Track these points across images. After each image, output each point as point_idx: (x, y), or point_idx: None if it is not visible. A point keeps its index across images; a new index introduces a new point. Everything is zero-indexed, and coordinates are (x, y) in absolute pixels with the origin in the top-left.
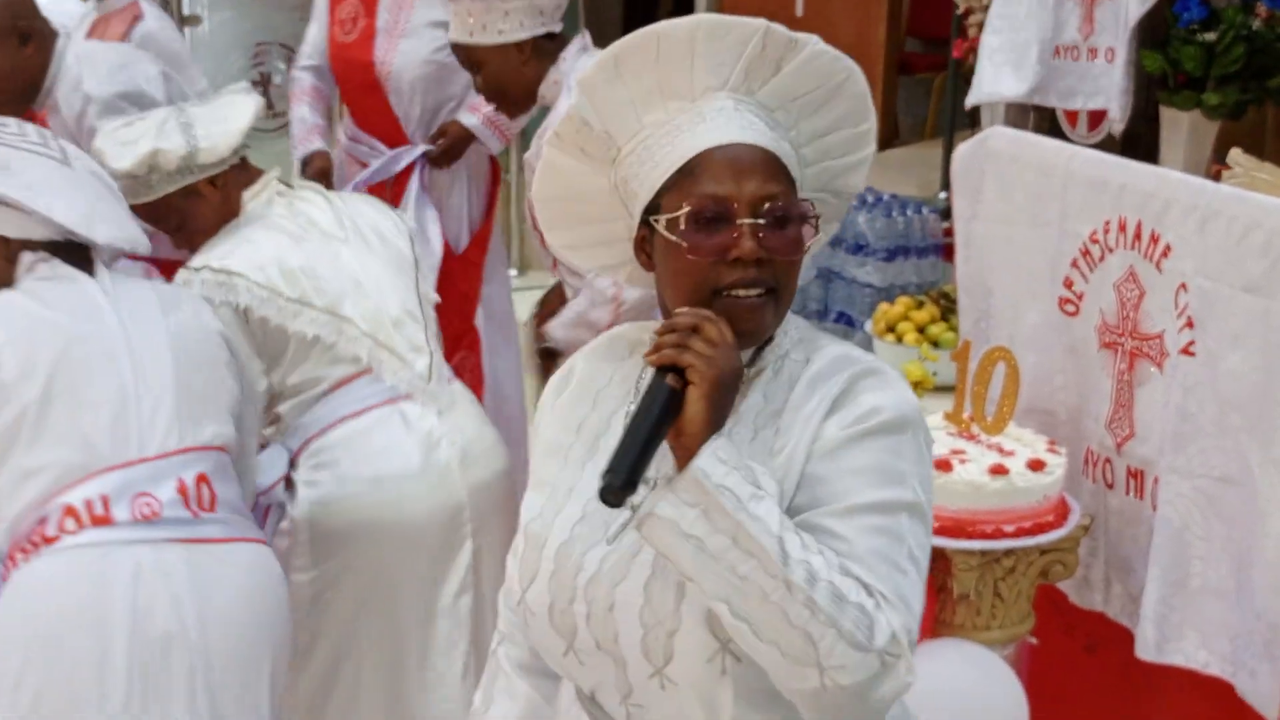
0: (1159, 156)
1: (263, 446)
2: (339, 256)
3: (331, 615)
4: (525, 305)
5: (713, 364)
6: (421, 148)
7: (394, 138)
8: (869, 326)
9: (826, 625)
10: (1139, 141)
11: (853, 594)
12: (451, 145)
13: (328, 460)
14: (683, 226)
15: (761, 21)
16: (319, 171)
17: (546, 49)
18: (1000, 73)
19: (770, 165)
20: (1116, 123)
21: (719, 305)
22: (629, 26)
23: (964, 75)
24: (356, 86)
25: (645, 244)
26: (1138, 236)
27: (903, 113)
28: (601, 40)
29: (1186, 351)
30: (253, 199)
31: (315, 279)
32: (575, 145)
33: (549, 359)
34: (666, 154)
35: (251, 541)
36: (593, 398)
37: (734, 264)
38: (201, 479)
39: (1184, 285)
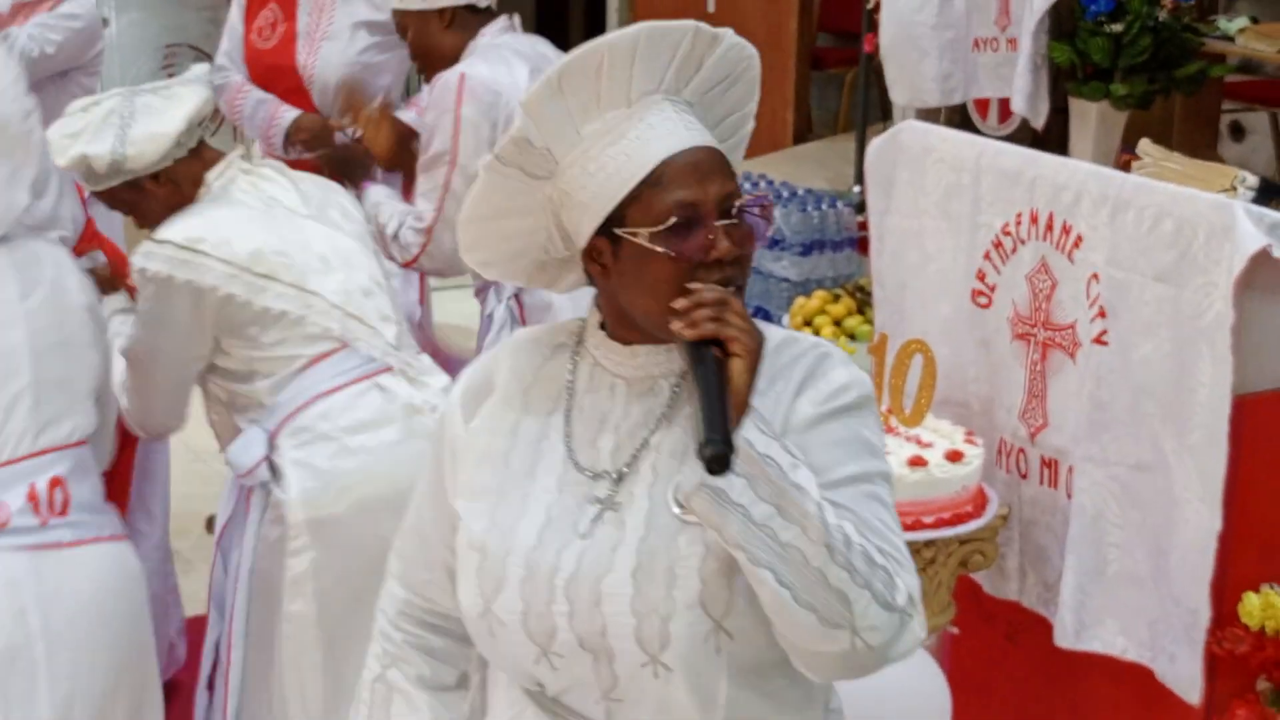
0: (1069, 147)
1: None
2: (303, 231)
3: (335, 593)
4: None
5: (753, 335)
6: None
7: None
8: (785, 321)
9: (862, 587)
10: (1050, 133)
11: (878, 556)
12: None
13: (312, 438)
14: (663, 235)
15: (691, 23)
16: (318, 126)
17: (468, 21)
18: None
19: (723, 164)
20: (1022, 114)
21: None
22: (540, 12)
23: (875, 69)
24: (281, 92)
25: (599, 255)
26: (1049, 228)
27: (816, 107)
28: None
29: (1099, 341)
30: (216, 178)
31: (282, 254)
32: (516, 166)
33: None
34: (622, 165)
35: (104, 541)
36: (521, 401)
37: (711, 265)
38: (55, 482)
39: (1095, 275)
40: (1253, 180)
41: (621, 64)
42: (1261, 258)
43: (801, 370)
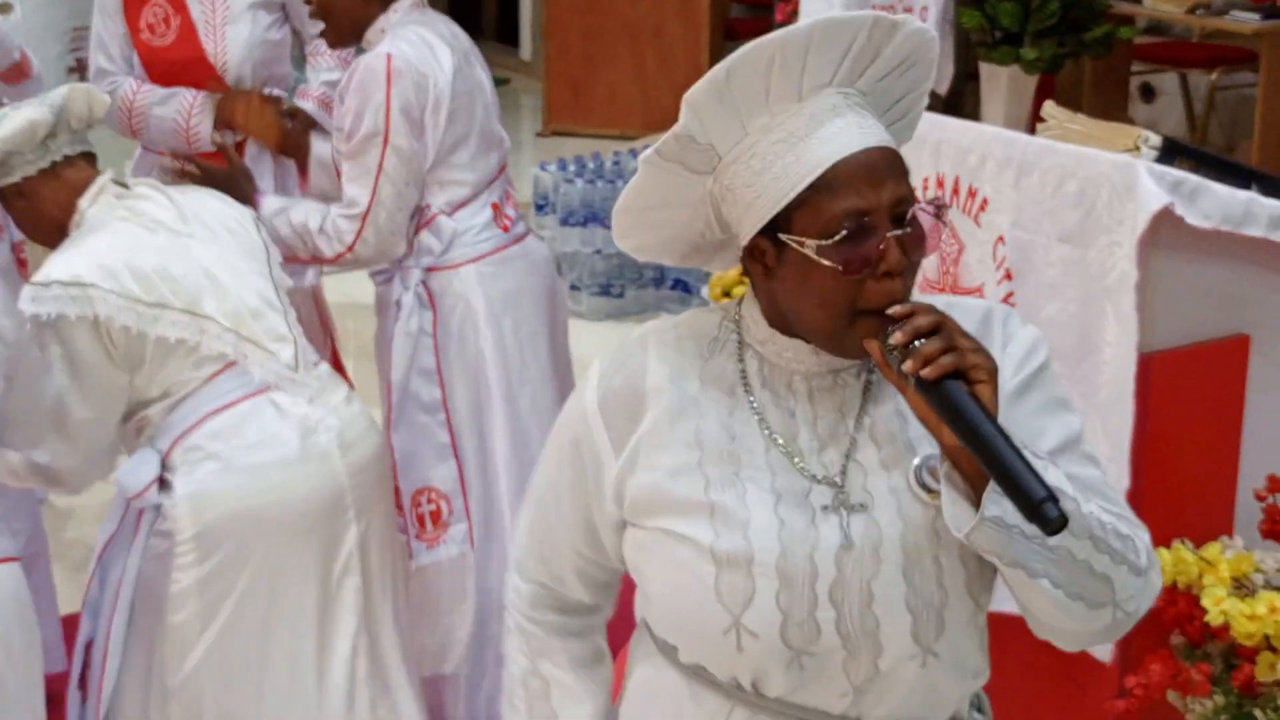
0: (980, 112)
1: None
2: (189, 251)
3: (221, 611)
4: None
5: (987, 354)
6: None
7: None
8: (705, 291)
9: (1119, 564)
10: (962, 98)
11: (1123, 527)
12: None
13: (203, 455)
14: (831, 247)
15: (869, 14)
16: (247, 96)
17: None
18: None
19: (896, 164)
20: (937, 81)
21: (862, 324)
22: None
23: None
24: (195, 83)
25: (763, 255)
26: (955, 191)
27: None
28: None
29: (1006, 302)
30: (90, 204)
31: (170, 279)
32: (676, 160)
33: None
34: (790, 166)
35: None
36: (695, 408)
37: (880, 278)
38: None
39: (1001, 238)
40: (1156, 140)
41: (794, 59)
42: (1164, 216)
43: (996, 333)
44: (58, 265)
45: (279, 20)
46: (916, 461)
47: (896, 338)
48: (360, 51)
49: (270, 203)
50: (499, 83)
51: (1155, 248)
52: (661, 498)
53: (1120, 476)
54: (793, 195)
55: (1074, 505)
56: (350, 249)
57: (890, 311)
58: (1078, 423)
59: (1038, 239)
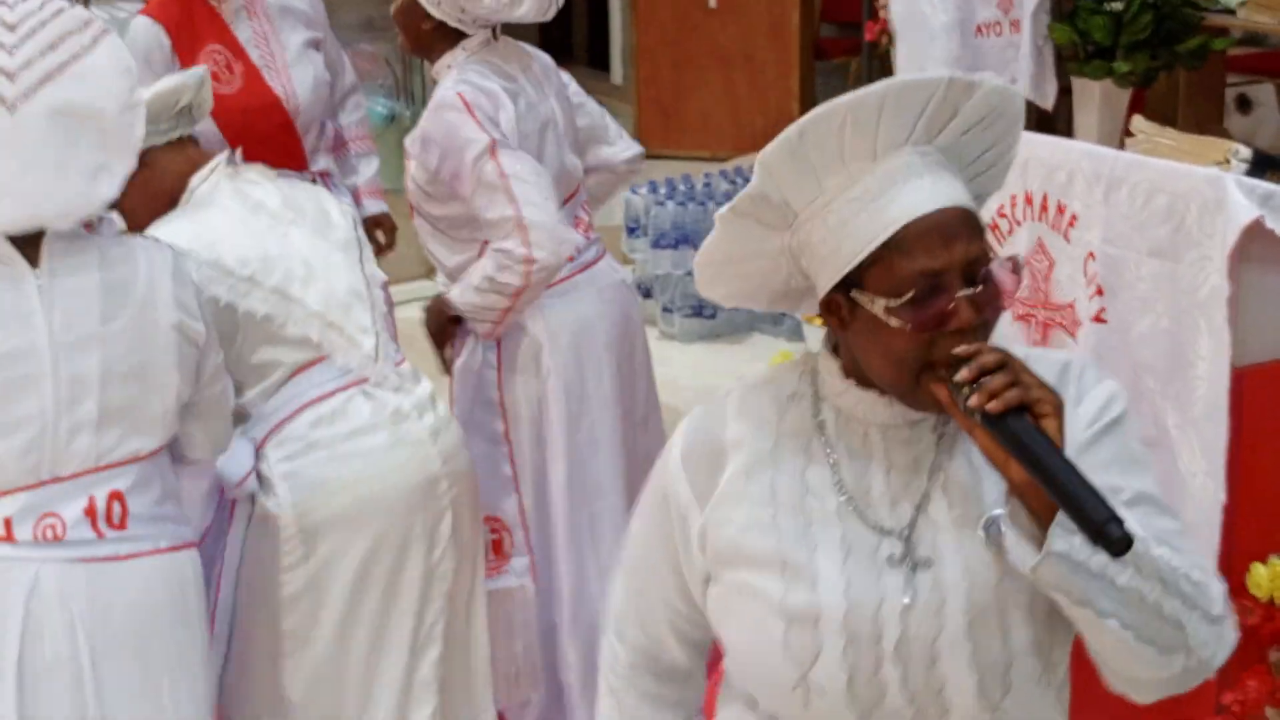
0: (1074, 127)
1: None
2: (288, 237)
3: (329, 602)
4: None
5: (1053, 391)
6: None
7: (297, 162)
8: (800, 314)
9: (1191, 609)
10: (1056, 113)
11: (1196, 574)
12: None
13: (300, 449)
14: (901, 308)
15: (945, 75)
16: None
17: (449, 33)
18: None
19: (970, 222)
20: (1028, 97)
21: (932, 377)
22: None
23: (878, 57)
24: (266, 129)
25: (838, 309)
26: (1044, 208)
27: (821, 98)
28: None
29: (1098, 319)
30: (200, 182)
31: (265, 259)
32: (751, 216)
33: (455, 324)
34: (863, 225)
35: (161, 553)
36: (770, 461)
37: (950, 335)
38: (115, 496)
39: (1092, 254)
40: (1246, 153)
41: (867, 120)
42: (1255, 229)
43: (1070, 390)
44: (163, 229)
45: (325, 60)
46: (986, 518)
47: (962, 375)
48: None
49: (453, 292)
50: None
51: (1246, 261)
52: (736, 551)
53: (1217, 491)
54: (865, 254)
55: (1143, 545)
56: (531, 260)
57: (956, 351)
58: (1153, 482)
59: (1128, 254)
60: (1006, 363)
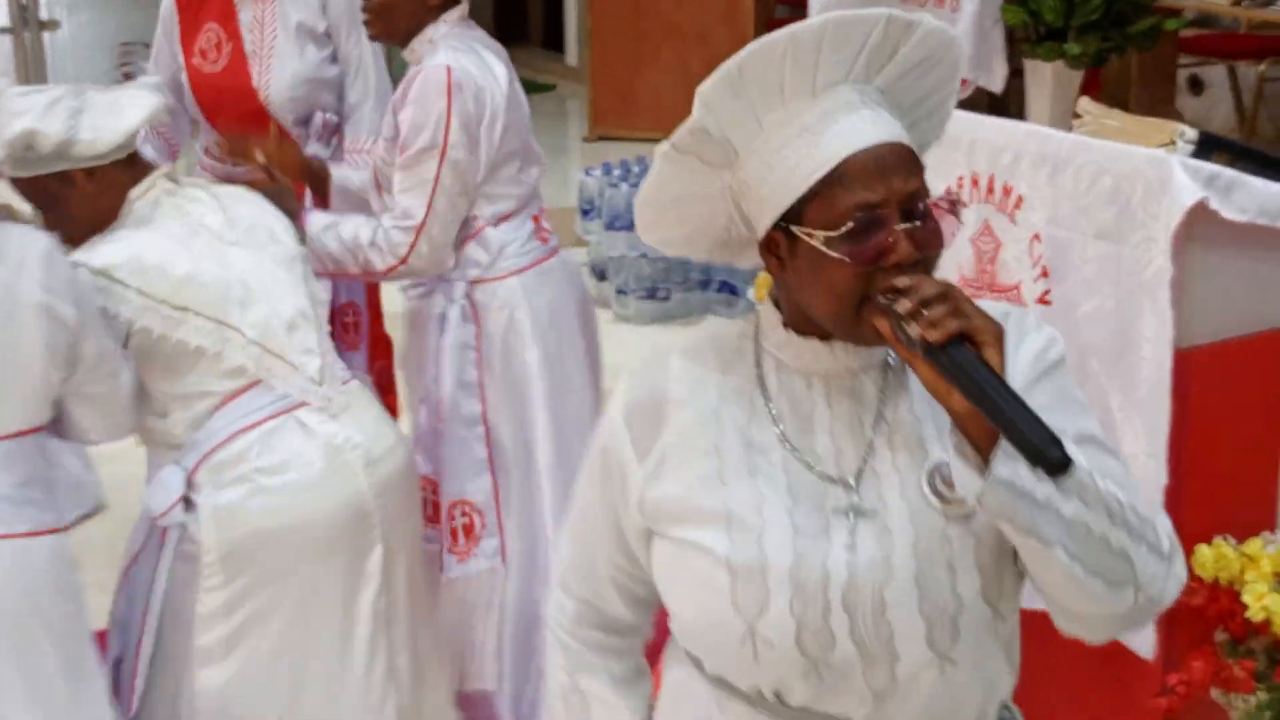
0: (1026, 109)
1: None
2: (227, 259)
3: (248, 630)
4: None
5: (994, 320)
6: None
7: None
8: (751, 294)
9: (1139, 542)
10: (1007, 95)
11: (1142, 508)
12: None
13: (230, 476)
14: (840, 239)
15: (883, 11)
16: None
17: (433, 4)
18: None
19: (908, 159)
20: (971, 80)
21: (872, 307)
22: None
23: None
24: (238, 116)
25: (777, 247)
26: (990, 190)
27: None
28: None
29: (1043, 301)
30: (139, 198)
31: (201, 285)
32: (692, 154)
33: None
34: (802, 160)
35: (16, 537)
36: (714, 417)
37: (890, 269)
38: None
39: (1037, 235)
40: (1192, 134)
41: (806, 55)
42: (1199, 210)
43: (1010, 335)
44: (97, 251)
45: (329, 56)
46: (928, 466)
47: (904, 306)
48: (400, 62)
49: (317, 219)
50: (545, 89)
51: (1191, 243)
52: (681, 507)
53: (1159, 473)
54: (805, 188)
55: (1088, 476)
56: (404, 261)
57: (896, 282)
58: (1095, 423)
59: (1074, 236)
60: (947, 293)
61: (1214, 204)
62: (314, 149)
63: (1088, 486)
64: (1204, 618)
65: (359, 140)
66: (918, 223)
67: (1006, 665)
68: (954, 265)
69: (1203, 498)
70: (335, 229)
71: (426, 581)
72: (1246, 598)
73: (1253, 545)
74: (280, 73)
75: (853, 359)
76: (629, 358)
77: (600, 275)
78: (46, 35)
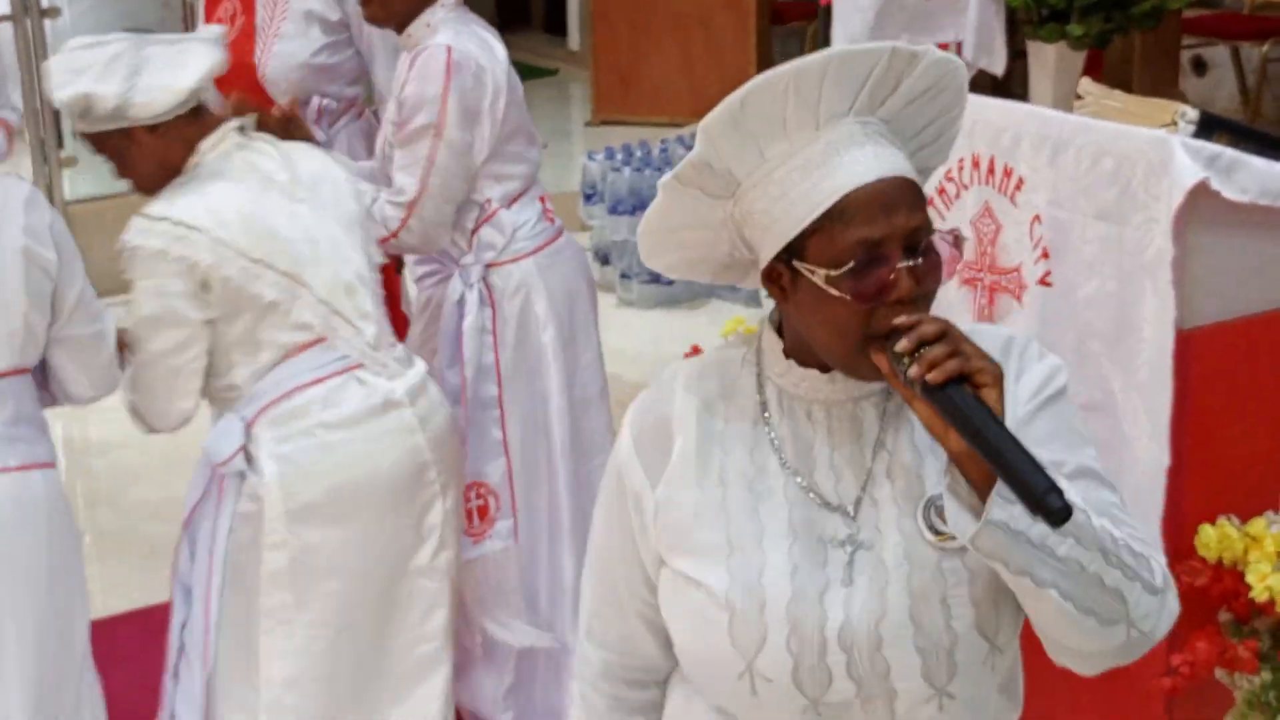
0: (1029, 90)
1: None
2: (297, 215)
3: (313, 583)
4: None
5: (993, 361)
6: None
7: None
8: (744, 285)
9: (1133, 580)
10: (1010, 77)
11: (1137, 545)
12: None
13: (291, 432)
14: (841, 277)
15: (888, 45)
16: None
17: None
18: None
19: (911, 193)
20: (974, 62)
21: (873, 348)
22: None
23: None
24: (240, 86)
25: (779, 279)
26: (991, 171)
27: (778, 63)
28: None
29: (1044, 282)
30: (210, 150)
31: (277, 239)
32: (694, 185)
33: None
34: (804, 194)
35: (9, 471)
36: (719, 444)
37: (891, 306)
38: None
39: (1038, 217)
40: (1193, 114)
41: (809, 88)
42: (1200, 191)
43: (1011, 365)
44: (176, 204)
45: (336, 44)
46: (924, 501)
47: (902, 345)
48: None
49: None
50: (547, 73)
51: (1192, 223)
52: (685, 537)
53: (1161, 454)
54: (807, 223)
55: (1084, 517)
56: (394, 235)
57: (896, 321)
58: (1094, 456)
59: (1074, 217)
60: (947, 332)
61: (1215, 184)
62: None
63: (1083, 527)
64: (1207, 598)
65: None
66: (919, 259)
67: (1006, 699)
68: None
69: (1205, 478)
70: None
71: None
72: (1250, 578)
73: (1256, 525)
74: (279, 53)
75: (853, 388)
76: (633, 342)
77: (604, 260)
78: (48, 23)
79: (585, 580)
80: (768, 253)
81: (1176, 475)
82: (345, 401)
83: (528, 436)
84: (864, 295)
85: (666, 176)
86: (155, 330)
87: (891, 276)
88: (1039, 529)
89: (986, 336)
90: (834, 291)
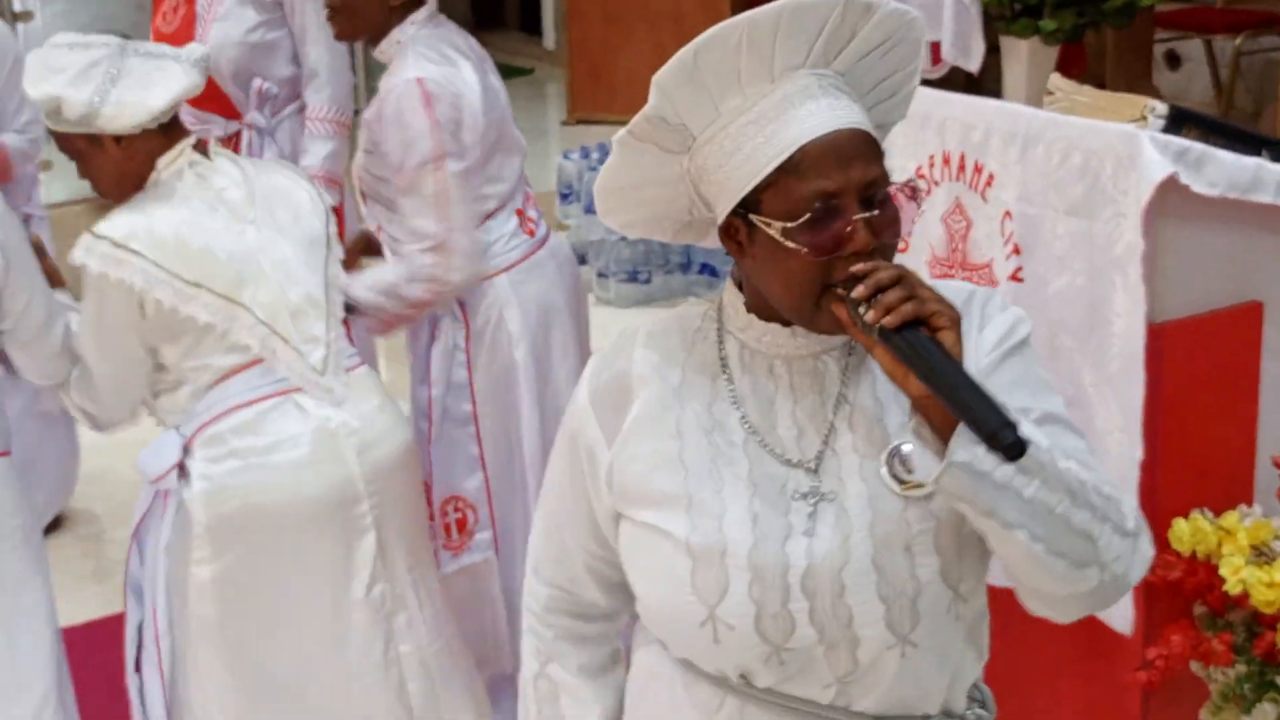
0: (1003, 86)
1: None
2: (244, 236)
3: (235, 602)
4: None
5: (950, 304)
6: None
7: (229, 111)
8: (727, 270)
9: (1102, 521)
10: (984, 73)
11: (1106, 487)
12: None
13: (221, 452)
14: (798, 230)
15: None
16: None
17: (395, 5)
18: None
19: (867, 145)
20: (951, 60)
21: (831, 296)
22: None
23: None
24: None
25: (736, 233)
26: (961, 168)
27: None
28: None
29: (1015, 278)
30: (166, 167)
31: (215, 262)
32: (650, 140)
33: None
34: (759, 147)
35: None
36: (675, 398)
37: (848, 258)
38: None
39: (1008, 213)
40: (1162, 109)
41: (763, 40)
42: (1169, 185)
43: (974, 316)
44: (117, 223)
45: (270, 22)
46: (888, 450)
47: (859, 291)
48: (367, 60)
49: (352, 286)
50: (523, 73)
51: (1162, 217)
52: (643, 489)
53: (1134, 448)
54: (761, 177)
55: (1048, 457)
56: (441, 281)
57: (853, 269)
58: (1060, 403)
59: (1045, 213)
60: (903, 277)
61: (1184, 178)
62: (252, 116)
63: (1048, 467)
64: (1182, 591)
65: (319, 109)
66: (876, 211)
67: (971, 648)
68: (926, 244)
69: (1178, 472)
70: (365, 283)
71: (432, 570)
72: (1224, 571)
73: (1229, 518)
74: (216, 34)
75: (815, 342)
76: (610, 340)
77: (581, 259)
78: (20, 26)
79: (535, 524)
80: (724, 207)
81: (1149, 469)
82: (277, 427)
83: (501, 451)
84: (821, 248)
85: (621, 133)
86: (99, 350)
87: (848, 229)
88: (1004, 470)
89: (948, 290)
90: (791, 244)
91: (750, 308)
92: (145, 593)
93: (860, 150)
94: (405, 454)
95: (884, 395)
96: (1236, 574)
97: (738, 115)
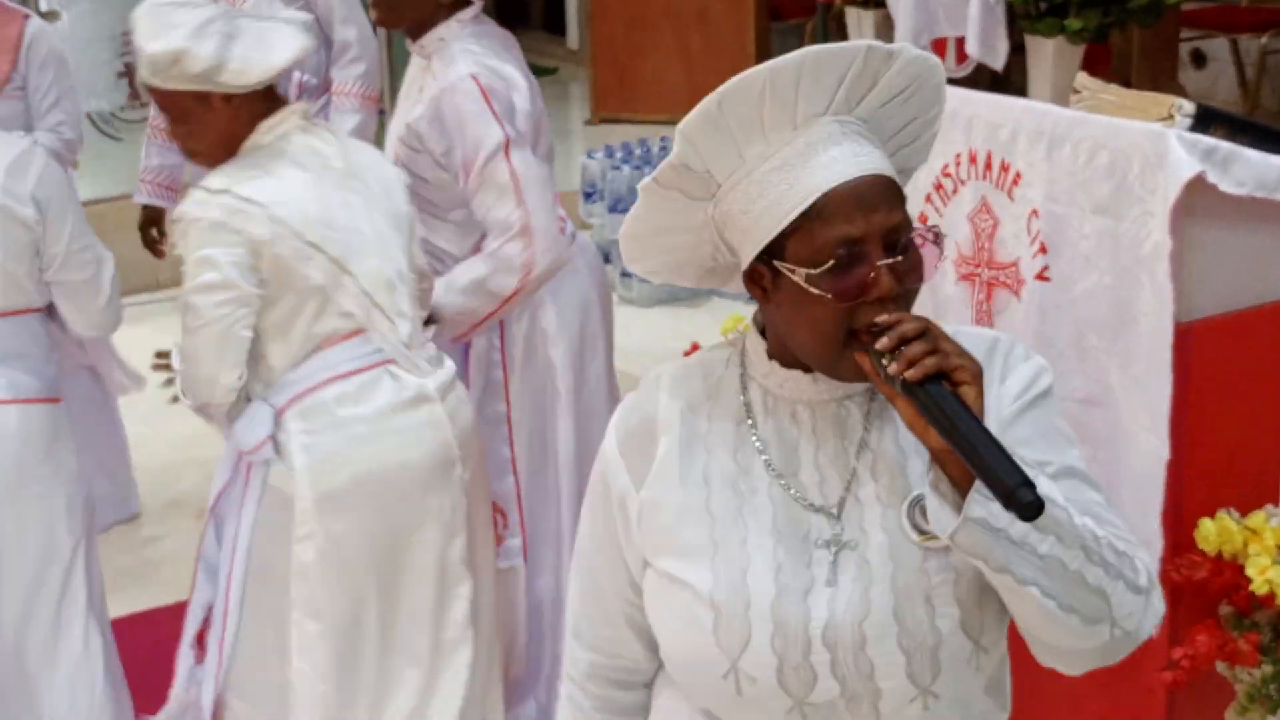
0: (1028, 85)
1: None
2: (350, 205)
3: (339, 576)
4: None
5: (973, 359)
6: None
7: None
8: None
9: (1115, 579)
10: (1009, 72)
11: (1120, 544)
12: None
13: (322, 423)
14: (821, 276)
15: (863, 44)
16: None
17: (445, 3)
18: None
19: (890, 191)
20: (977, 57)
21: (855, 345)
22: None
23: (834, 17)
24: None
25: (760, 279)
26: (988, 166)
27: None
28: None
29: (1041, 277)
30: (272, 130)
31: (330, 226)
32: (675, 187)
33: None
34: (783, 194)
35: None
36: (702, 445)
37: (872, 304)
38: None
39: (1035, 211)
40: (1189, 108)
41: (786, 88)
42: (1196, 184)
43: (996, 366)
44: (237, 178)
45: (298, 9)
46: (908, 500)
47: (883, 343)
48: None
49: (435, 292)
50: (547, 72)
51: (1189, 216)
52: (669, 538)
53: (1160, 448)
54: (785, 223)
55: (1065, 514)
56: (529, 267)
57: (877, 319)
58: (1078, 456)
59: (1071, 212)
60: (926, 330)
61: (1211, 177)
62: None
63: (1064, 524)
64: (1208, 591)
65: (346, 84)
66: (899, 256)
67: (993, 700)
68: (952, 243)
69: (1205, 471)
70: (451, 286)
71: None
72: (1250, 571)
73: (1256, 518)
74: None
75: (838, 388)
76: (634, 339)
77: (604, 258)
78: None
79: (572, 581)
80: (748, 253)
81: (1176, 468)
82: (377, 395)
83: (534, 454)
84: (844, 294)
85: (646, 179)
86: (208, 294)
87: (871, 275)
88: (1019, 527)
89: (971, 338)
90: (814, 291)
91: (772, 354)
92: (220, 571)
93: (883, 196)
94: (474, 419)
95: (906, 443)
96: (1263, 574)
97: (761, 162)
